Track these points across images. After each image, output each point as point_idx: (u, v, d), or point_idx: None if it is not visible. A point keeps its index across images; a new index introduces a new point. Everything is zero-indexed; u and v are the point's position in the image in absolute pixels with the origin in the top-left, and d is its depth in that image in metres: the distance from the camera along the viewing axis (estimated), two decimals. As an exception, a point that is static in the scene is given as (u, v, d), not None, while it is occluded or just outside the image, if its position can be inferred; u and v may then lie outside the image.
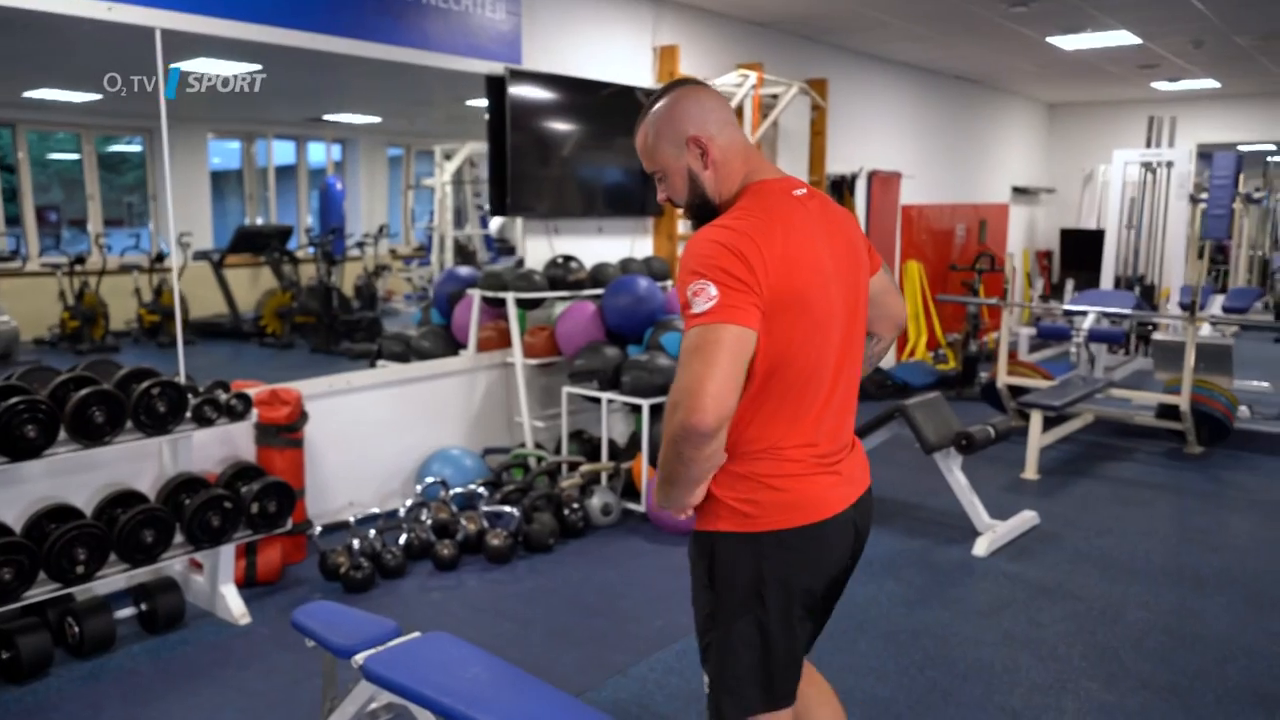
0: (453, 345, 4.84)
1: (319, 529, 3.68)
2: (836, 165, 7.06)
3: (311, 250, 7.67)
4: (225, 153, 7.47)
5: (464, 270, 5.33)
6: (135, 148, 6.55)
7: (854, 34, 6.75)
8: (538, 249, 4.99)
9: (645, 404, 4.21)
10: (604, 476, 4.42)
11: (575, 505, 4.14)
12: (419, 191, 8.33)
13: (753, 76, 5.48)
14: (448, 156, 7.59)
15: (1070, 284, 8.94)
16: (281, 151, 7.77)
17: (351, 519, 3.71)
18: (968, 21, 6.27)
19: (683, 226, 5.89)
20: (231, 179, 7.51)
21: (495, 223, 7.92)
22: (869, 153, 7.56)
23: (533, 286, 4.62)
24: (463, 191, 7.93)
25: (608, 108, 5.12)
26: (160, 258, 6.19)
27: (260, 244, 7.34)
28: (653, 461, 4.28)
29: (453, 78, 4.45)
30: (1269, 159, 12.14)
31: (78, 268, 5.86)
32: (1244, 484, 5.06)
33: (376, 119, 7.42)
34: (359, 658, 2.13)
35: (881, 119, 7.80)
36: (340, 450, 4.11)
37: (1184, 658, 3.09)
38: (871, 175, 7.60)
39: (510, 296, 4.58)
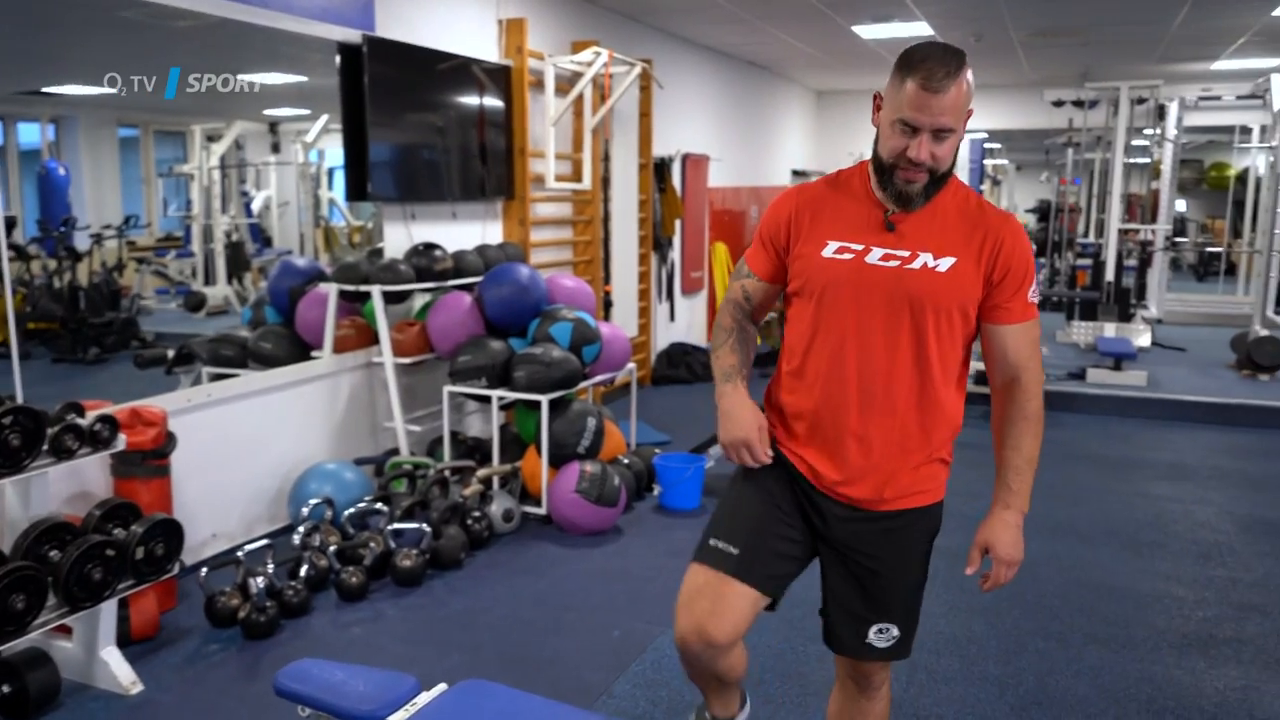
0: (300, 347, 4.32)
1: (205, 571, 3.13)
2: (656, 147, 7.02)
3: (48, 245, 6.65)
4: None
5: (301, 262, 4.80)
6: None
7: (676, 15, 6.73)
8: (395, 236, 4.55)
9: (544, 399, 3.95)
10: (496, 481, 4.11)
11: (477, 514, 3.82)
12: (168, 179, 7.46)
13: (604, 54, 5.30)
14: (211, 138, 6.83)
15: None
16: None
17: (241, 555, 3.19)
18: (789, 4, 6.41)
19: (544, 209, 5.63)
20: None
21: (256, 207, 7.25)
22: (683, 135, 7.59)
23: (399, 278, 4.20)
24: (228, 177, 7.19)
25: (456, 81, 4.76)
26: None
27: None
28: (553, 463, 4.03)
29: (240, 42, 3.89)
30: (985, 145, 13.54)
31: None
32: (1060, 440, 5.54)
33: (108, 91, 6.47)
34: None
35: (692, 102, 7.85)
36: (201, 474, 3.54)
37: (1108, 608, 3.31)
38: (685, 158, 7.65)
39: (376, 290, 4.15)
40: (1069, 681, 2.79)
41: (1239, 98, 8.77)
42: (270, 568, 3.18)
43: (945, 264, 1.69)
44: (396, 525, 3.54)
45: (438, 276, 4.38)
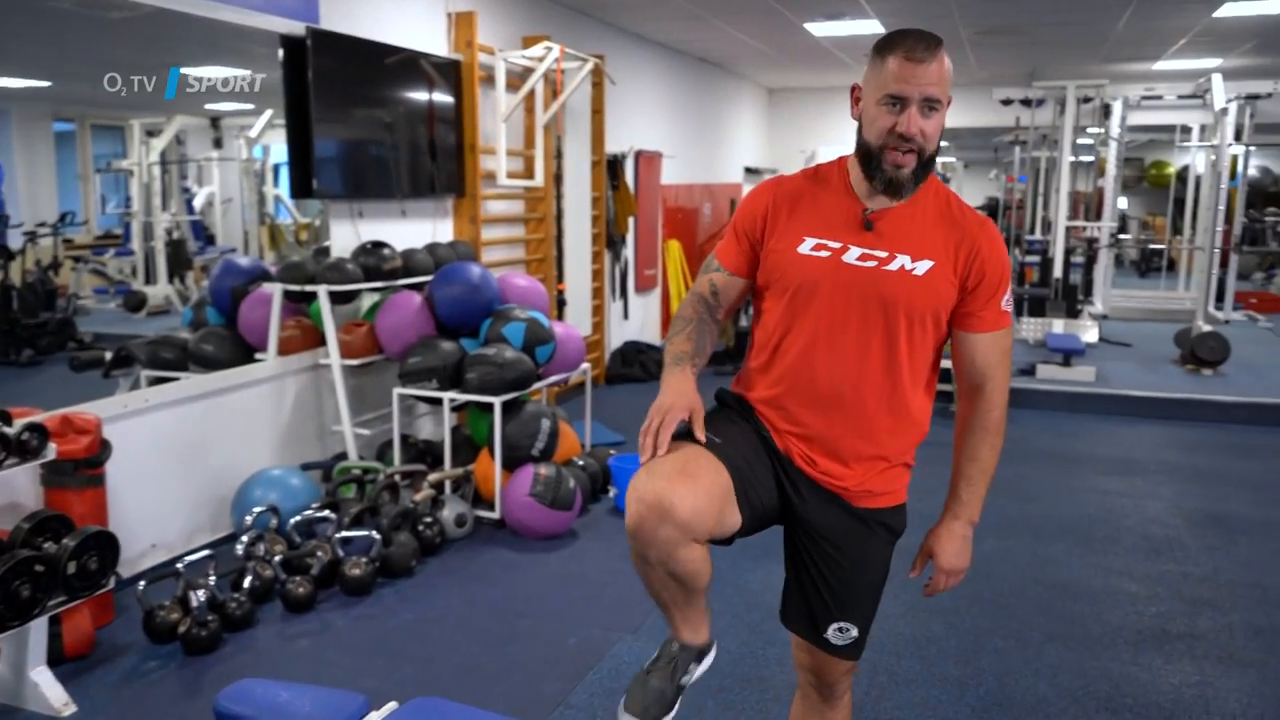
0: (243, 348, 4.18)
1: (143, 584, 3.00)
2: (609, 144, 6.95)
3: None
4: None
5: (245, 261, 4.65)
6: None
7: (627, 10, 6.66)
8: (342, 235, 4.43)
9: (497, 401, 3.87)
10: (448, 485, 4.02)
11: (429, 520, 3.72)
12: (107, 175, 7.24)
13: (556, 49, 5.21)
14: (151, 133, 6.63)
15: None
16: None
17: (181, 566, 3.07)
18: (742, 0, 6.38)
19: (495, 207, 5.53)
20: None
21: (198, 204, 7.06)
22: (636, 132, 7.53)
23: (347, 278, 4.08)
24: (169, 173, 6.99)
25: (404, 76, 4.65)
26: None
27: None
28: (507, 466, 3.95)
29: (179, 34, 3.75)
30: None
31: None
32: (1011, 436, 5.56)
33: (43, 84, 6.23)
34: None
35: (644, 99, 7.79)
36: (139, 483, 3.40)
37: (1064, 605, 3.32)
38: (638, 155, 7.59)
39: (322, 290, 4.03)
40: (1028, 681, 2.79)
41: (1180, 97, 8.93)
42: (212, 579, 3.07)
43: (923, 267, 1.64)
44: (345, 533, 3.44)
45: (386, 276, 4.27)
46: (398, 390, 4.08)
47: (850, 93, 1.70)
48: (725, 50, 8.59)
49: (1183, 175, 13.72)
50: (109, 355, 4.15)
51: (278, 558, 3.29)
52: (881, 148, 1.61)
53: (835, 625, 1.81)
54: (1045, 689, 2.74)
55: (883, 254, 1.65)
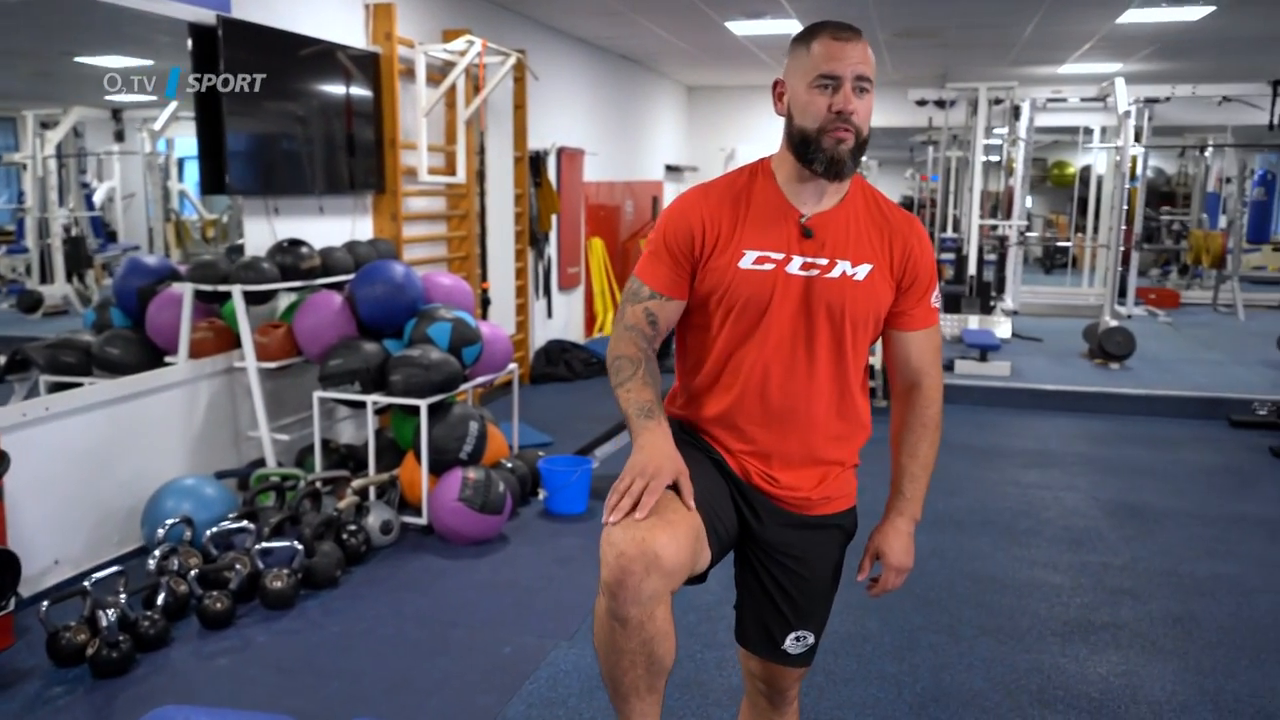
0: (150, 351, 3.99)
1: (45, 604, 2.82)
2: (531, 140, 6.86)
3: None
4: None
5: (152, 260, 4.45)
6: None
7: (548, 5, 6.58)
8: (257, 232, 4.25)
9: (423, 404, 3.76)
10: (372, 491, 3.89)
11: (353, 528, 3.60)
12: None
13: (478, 44, 5.10)
14: (45, 125, 6.31)
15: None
16: None
17: (88, 584, 2.89)
18: (666, -2, 6.37)
19: (417, 204, 5.39)
20: None
21: (98, 199, 6.74)
22: (557, 129, 7.45)
23: (263, 277, 3.92)
24: (66, 167, 6.67)
25: (320, 68, 4.49)
26: None
27: None
28: (434, 470, 3.84)
29: (79, 21, 3.56)
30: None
31: None
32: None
33: None
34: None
35: (565, 95, 7.71)
36: (40, 496, 3.20)
37: (993, 598, 3.37)
38: (560, 152, 7.51)
39: (237, 290, 3.86)
40: (963, 675, 2.82)
41: (1084, 100, 9.25)
42: (122, 597, 2.90)
43: (862, 272, 1.63)
44: (265, 544, 3.29)
45: (304, 275, 4.11)
46: (318, 394, 3.94)
47: (772, 89, 1.67)
48: (646, 47, 8.57)
49: (1084, 175, 14.24)
50: (2, 359, 3.90)
51: (193, 572, 3.13)
52: (820, 129, 1.58)
53: (793, 635, 1.79)
54: (980, 683, 2.78)
55: (824, 261, 1.63)
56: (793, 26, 7.18)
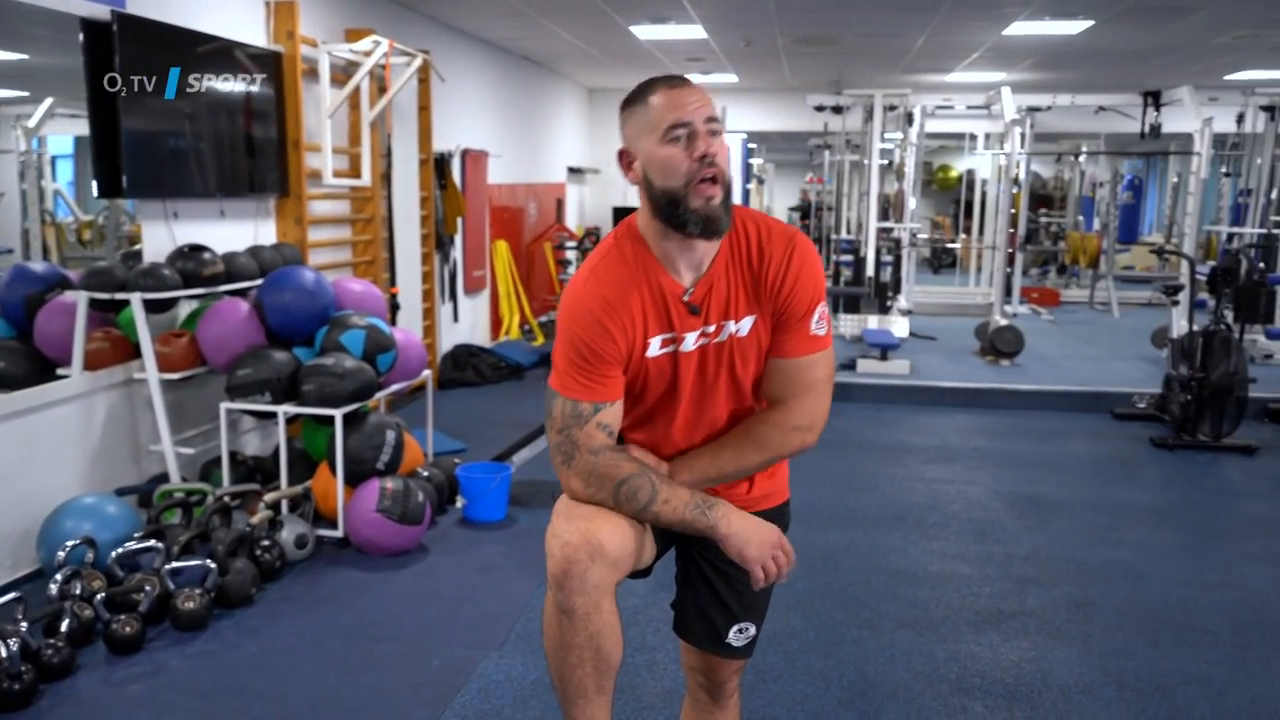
0: (40, 363, 3.79)
1: (-62, 635, 2.64)
2: (436, 142, 6.76)
3: None
4: None
5: (39, 266, 4.20)
6: None
7: (453, 6, 6.50)
8: (156, 237, 4.07)
9: (338, 414, 3.67)
10: (285, 504, 3.77)
11: (267, 543, 3.49)
12: None
13: (384, 44, 5.00)
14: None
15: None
16: None
17: (-16, 612, 2.73)
18: (571, 0, 6.35)
19: (321, 207, 5.25)
20: None
21: None
22: (462, 131, 7.36)
23: (163, 284, 3.76)
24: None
25: (220, 67, 4.33)
26: None
27: None
28: (350, 481, 3.75)
29: None
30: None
31: None
32: (840, 428, 5.84)
33: None
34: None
35: (469, 96, 7.63)
36: (-76, 521, 3.00)
37: (908, 591, 3.49)
38: (465, 154, 7.42)
39: (136, 298, 3.69)
40: (886, 667, 2.91)
41: (969, 108, 9.64)
42: (22, 625, 2.74)
43: (745, 326, 1.66)
44: (175, 563, 3.16)
45: (207, 282, 3.96)
46: (226, 405, 3.80)
47: (619, 160, 1.63)
48: (549, 49, 8.54)
49: (967, 179, 14.84)
50: None
51: (98, 595, 2.97)
52: (687, 184, 1.52)
53: (736, 627, 1.85)
54: (902, 674, 2.87)
55: (712, 329, 1.65)
56: (696, 32, 7.28)
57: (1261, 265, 7.41)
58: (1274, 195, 8.27)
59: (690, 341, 1.64)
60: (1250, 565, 3.78)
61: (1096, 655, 3.01)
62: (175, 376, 3.82)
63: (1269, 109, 8.34)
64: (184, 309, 4.16)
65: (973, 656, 2.99)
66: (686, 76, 1.60)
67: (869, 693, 2.76)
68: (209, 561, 3.17)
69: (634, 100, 1.58)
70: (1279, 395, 6.14)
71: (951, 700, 2.73)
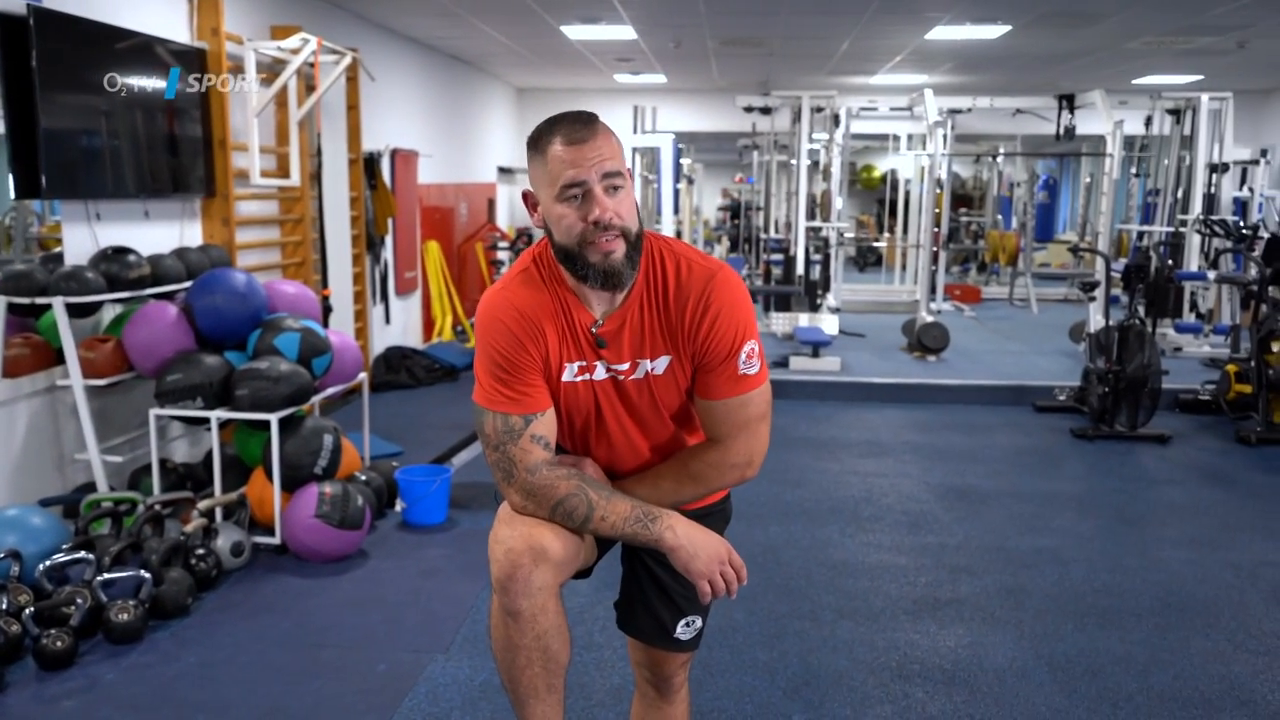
0: (-45, 371, 3.64)
1: None
2: (366, 142, 6.66)
3: None
4: None
5: (-49, 271, 4.02)
6: None
7: (382, 4, 6.41)
8: (77, 239, 3.94)
9: (274, 418, 3.60)
10: (219, 512, 3.69)
11: (201, 551, 3.41)
12: None
13: (313, 41, 4.92)
14: None
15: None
16: None
17: (-96, 631, 2.61)
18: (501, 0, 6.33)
19: (249, 208, 5.14)
20: None
21: None
22: (391, 130, 7.27)
23: (87, 288, 3.65)
24: None
25: (143, 64, 4.22)
26: None
27: None
28: (287, 487, 3.68)
29: None
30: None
31: None
32: (775, 425, 5.90)
33: None
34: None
35: (398, 96, 7.54)
36: None
37: (847, 583, 3.57)
38: (395, 153, 7.33)
39: (58, 302, 3.57)
40: (829, 657, 2.97)
41: (893, 109, 9.86)
42: (-53, 644, 2.64)
43: (661, 365, 1.66)
44: (107, 575, 3.07)
45: (133, 285, 3.85)
46: (155, 411, 3.70)
47: (524, 201, 1.64)
48: (479, 48, 8.49)
49: (889, 179, 15.17)
50: None
51: (26, 610, 2.88)
52: (581, 244, 1.51)
53: (684, 621, 1.87)
54: (844, 663, 2.94)
55: (624, 366, 1.66)
56: (626, 33, 7.31)
57: (1170, 262, 7.73)
58: (1180, 195, 8.64)
59: (601, 372, 1.65)
60: (1168, 549, 3.95)
61: (1028, 639, 3.12)
62: (101, 383, 3.71)
63: (1174, 112, 8.71)
64: (108, 313, 4.04)
65: (912, 644, 3.07)
66: (592, 115, 1.54)
67: (813, 682, 2.82)
68: (143, 572, 3.09)
69: (535, 144, 1.54)
70: (1189, 387, 6.42)
71: (893, 687, 2.80)
